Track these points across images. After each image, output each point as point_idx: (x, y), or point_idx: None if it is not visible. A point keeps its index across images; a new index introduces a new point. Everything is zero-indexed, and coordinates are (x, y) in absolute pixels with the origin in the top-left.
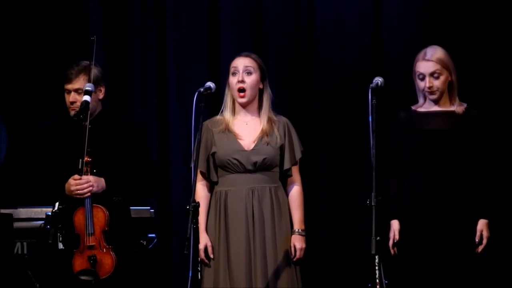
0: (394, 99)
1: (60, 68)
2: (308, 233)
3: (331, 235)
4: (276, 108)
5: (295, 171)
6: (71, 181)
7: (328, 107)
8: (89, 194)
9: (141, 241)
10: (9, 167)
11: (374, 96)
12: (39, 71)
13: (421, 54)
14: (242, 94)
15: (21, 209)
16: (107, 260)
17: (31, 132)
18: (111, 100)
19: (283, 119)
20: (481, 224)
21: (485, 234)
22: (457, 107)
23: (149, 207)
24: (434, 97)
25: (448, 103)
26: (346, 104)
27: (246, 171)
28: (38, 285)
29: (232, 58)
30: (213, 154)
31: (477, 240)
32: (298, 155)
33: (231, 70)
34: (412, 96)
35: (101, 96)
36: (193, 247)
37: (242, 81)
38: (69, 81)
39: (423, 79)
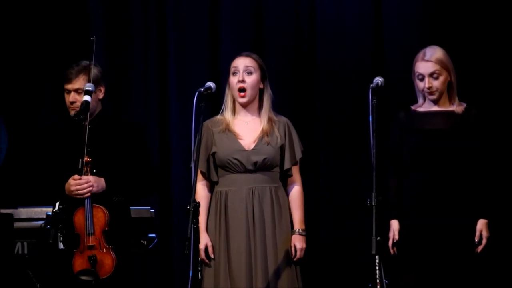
0: (394, 99)
1: (60, 68)
2: (308, 233)
3: (331, 235)
4: (276, 108)
5: (296, 171)
6: (71, 181)
7: (328, 107)
8: (89, 194)
9: (142, 241)
10: (9, 167)
11: (374, 96)
12: (39, 71)
13: (420, 55)
14: (242, 94)
15: (22, 209)
16: (107, 260)
17: (31, 132)
18: (111, 100)
19: (284, 119)
20: (481, 224)
21: (484, 234)
22: (457, 107)
23: (149, 207)
24: (433, 97)
25: (448, 103)
26: (346, 104)
27: (247, 171)
28: (38, 285)
29: (232, 58)
30: (214, 154)
31: (476, 240)
32: (299, 155)
33: (232, 70)
34: (412, 96)
35: (101, 96)
36: (194, 247)
37: (243, 81)
38: (69, 81)
39: (422, 79)
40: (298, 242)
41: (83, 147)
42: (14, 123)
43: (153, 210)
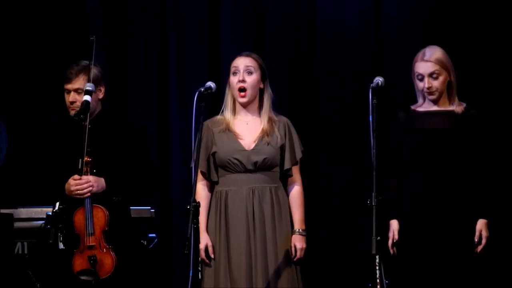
0: (394, 99)
1: (60, 68)
2: (308, 233)
3: (331, 235)
4: (276, 108)
5: (296, 171)
6: (71, 181)
7: (328, 107)
8: (89, 194)
9: (142, 241)
10: (9, 167)
11: (374, 95)
12: (39, 71)
13: (419, 55)
14: (242, 93)
15: (22, 209)
16: (107, 260)
17: (31, 132)
18: (111, 100)
19: (284, 119)
20: (480, 224)
21: (484, 234)
22: (456, 107)
23: (149, 207)
24: (433, 97)
25: (447, 103)
26: (346, 104)
27: (247, 171)
28: (38, 285)
29: (232, 58)
30: (214, 154)
31: (476, 240)
32: (299, 155)
33: (232, 69)
34: (412, 96)
35: (101, 95)
36: (194, 247)
37: (243, 81)
38: (69, 81)
39: (422, 79)
40: (298, 242)
41: (83, 147)
42: (14, 123)
43: (153, 210)
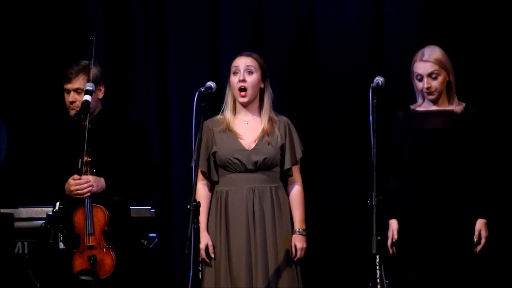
0: (394, 99)
1: (60, 68)
2: (308, 233)
3: (331, 235)
4: (277, 108)
5: (296, 170)
6: (70, 181)
7: (328, 107)
8: (88, 194)
9: (142, 240)
10: (9, 167)
11: (374, 95)
12: (39, 71)
13: (418, 55)
14: (243, 93)
15: (22, 209)
16: (107, 260)
17: (31, 132)
18: (111, 100)
19: (284, 118)
20: (480, 223)
21: (483, 233)
22: (456, 107)
23: (149, 207)
24: (432, 97)
25: (447, 103)
26: (346, 104)
27: (247, 170)
28: (38, 284)
29: (232, 58)
30: (214, 153)
31: (475, 240)
32: (299, 154)
33: (232, 69)
34: (412, 96)
35: (100, 95)
36: (194, 247)
37: (243, 81)
38: (69, 80)
39: (421, 79)
40: (298, 242)
41: (83, 147)
42: (14, 123)
43: (153, 210)
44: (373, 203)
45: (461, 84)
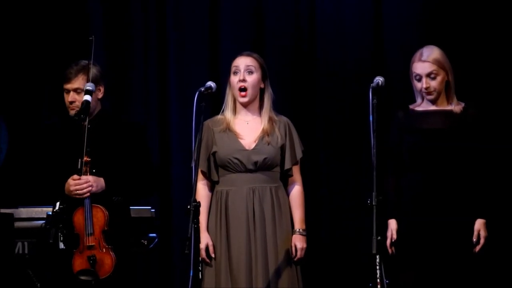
0: (394, 99)
1: (60, 68)
2: (308, 233)
3: (331, 235)
4: (277, 108)
5: (296, 170)
6: (70, 181)
7: (328, 107)
8: (88, 194)
9: (142, 240)
10: (9, 167)
11: (374, 95)
12: (39, 71)
13: (417, 55)
14: (243, 93)
15: (22, 209)
16: (106, 260)
17: (31, 132)
18: (111, 100)
19: (284, 118)
20: (479, 223)
21: (482, 233)
22: (455, 107)
23: (149, 207)
24: (431, 97)
25: (446, 103)
26: (346, 104)
27: (247, 170)
28: (39, 284)
29: (232, 58)
30: (214, 153)
31: (474, 240)
32: (299, 154)
33: (233, 69)
34: (412, 96)
35: (100, 95)
36: (194, 247)
37: (244, 80)
38: (68, 80)
39: (420, 80)
40: (298, 242)
41: (83, 147)
42: (14, 123)
43: (153, 210)
44: (373, 203)
45: (460, 84)
